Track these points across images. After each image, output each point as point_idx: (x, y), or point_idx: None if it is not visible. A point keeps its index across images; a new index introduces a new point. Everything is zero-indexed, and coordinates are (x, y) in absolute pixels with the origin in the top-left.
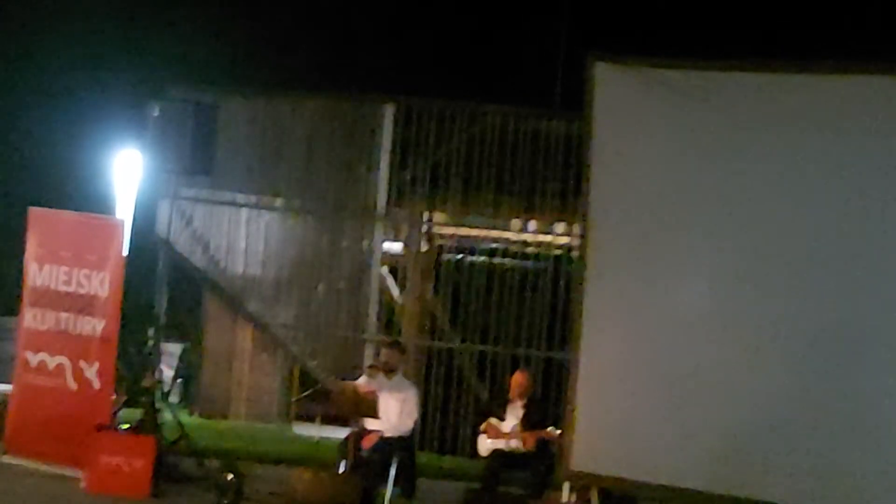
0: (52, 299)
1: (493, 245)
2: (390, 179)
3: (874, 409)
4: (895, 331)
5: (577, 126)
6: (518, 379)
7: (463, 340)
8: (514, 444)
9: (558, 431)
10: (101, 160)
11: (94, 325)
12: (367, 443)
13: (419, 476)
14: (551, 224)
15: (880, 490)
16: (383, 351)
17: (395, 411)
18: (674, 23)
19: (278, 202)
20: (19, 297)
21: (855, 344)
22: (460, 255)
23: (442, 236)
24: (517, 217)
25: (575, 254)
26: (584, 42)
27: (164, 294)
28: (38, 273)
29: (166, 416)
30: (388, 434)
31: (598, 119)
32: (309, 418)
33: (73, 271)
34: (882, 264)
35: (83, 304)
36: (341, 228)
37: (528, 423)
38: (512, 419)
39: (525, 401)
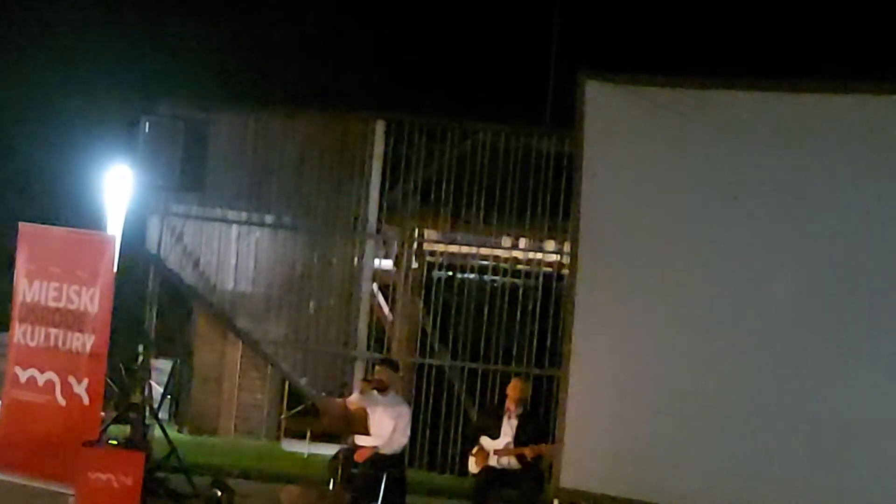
0: (42, 315)
1: (484, 262)
2: (381, 196)
3: (867, 430)
4: (889, 348)
5: (567, 143)
6: (516, 385)
7: (453, 358)
8: (505, 461)
9: (551, 448)
10: (92, 176)
11: (83, 341)
12: (361, 456)
13: (409, 493)
14: (542, 241)
15: None
16: (377, 368)
17: (388, 428)
18: (664, 41)
19: (269, 219)
20: (9, 313)
21: (848, 363)
22: (451, 273)
23: (432, 253)
24: (507, 234)
25: (565, 271)
26: (574, 60)
27: (153, 310)
28: (27, 289)
29: (156, 432)
30: (381, 451)
31: (588, 136)
32: (299, 435)
33: (63, 287)
34: (872, 278)
35: (73, 320)
36: (332, 245)
37: (520, 438)
38: (506, 434)
39: (521, 411)
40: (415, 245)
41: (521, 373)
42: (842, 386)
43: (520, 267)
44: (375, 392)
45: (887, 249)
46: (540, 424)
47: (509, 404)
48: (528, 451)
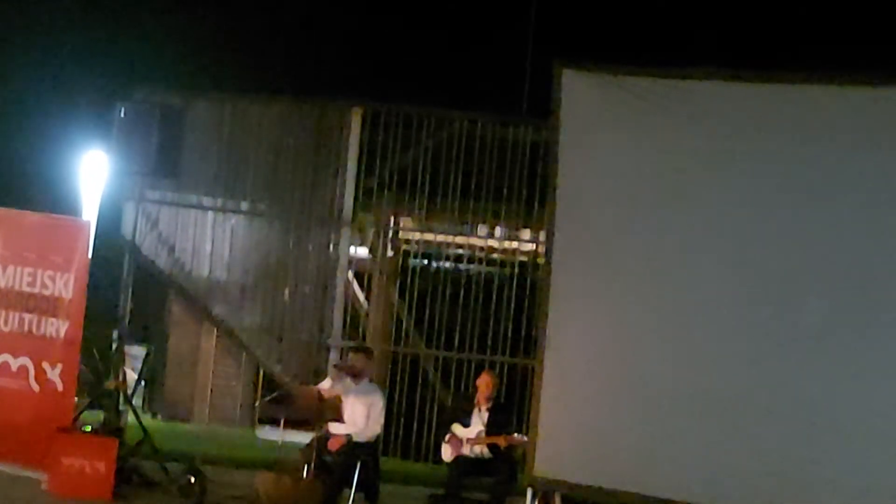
0: (16, 300)
1: (459, 251)
2: (357, 184)
3: (841, 421)
4: (861, 337)
5: (543, 132)
6: (485, 379)
7: (428, 346)
8: (478, 449)
9: (523, 437)
10: (67, 161)
11: (57, 327)
12: (335, 444)
13: (383, 481)
14: (517, 230)
15: (842, 497)
16: (351, 355)
17: (361, 416)
18: (641, 30)
19: (244, 206)
20: None
21: (824, 351)
22: (426, 261)
23: (408, 242)
24: (483, 223)
25: (540, 260)
26: (550, 49)
27: (128, 296)
28: (1, 274)
29: (129, 418)
30: (354, 438)
31: (564, 126)
32: (273, 422)
33: (38, 272)
34: (850, 268)
35: (47, 306)
36: (307, 233)
37: (493, 427)
38: (477, 424)
39: (490, 404)
40: (390, 233)
41: (494, 362)
42: (817, 376)
43: (495, 256)
44: (348, 379)
45: (866, 239)
46: (511, 414)
47: (479, 398)
48: (500, 441)
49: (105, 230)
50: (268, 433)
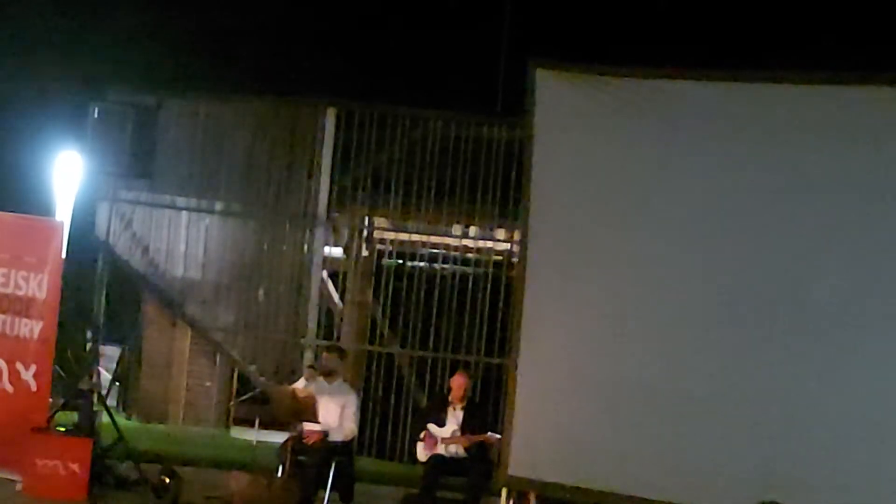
0: None
1: (434, 250)
2: (331, 184)
3: (810, 421)
4: (836, 336)
5: (518, 132)
6: (458, 381)
7: (402, 345)
8: (453, 449)
9: (498, 436)
10: (41, 162)
11: (31, 328)
12: (311, 438)
13: (358, 481)
14: (492, 230)
15: (816, 494)
16: (324, 355)
17: (334, 416)
18: (616, 31)
19: (218, 205)
20: None
21: (796, 354)
22: (401, 260)
23: (382, 241)
24: (458, 222)
25: (515, 259)
26: (525, 49)
27: (102, 297)
28: None
29: (104, 419)
30: (330, 436)
31: (538, 125)
32: (247, 422)
33: (11, 273)
34: (822, 268)
35: (21, 306)
36: (282, 232)
37: (467, 427)
38: (452, 424)
39: (465, 404)
40: (365, 233)
41: (469, 361)
42: (791, 375)
43: (470, 255)
44: (321, 379)
45: (840, 239)
46: (485, 413)
47: (453, 398)
48: (474, 439)
49: (79, 230)
50: (242, 433)
